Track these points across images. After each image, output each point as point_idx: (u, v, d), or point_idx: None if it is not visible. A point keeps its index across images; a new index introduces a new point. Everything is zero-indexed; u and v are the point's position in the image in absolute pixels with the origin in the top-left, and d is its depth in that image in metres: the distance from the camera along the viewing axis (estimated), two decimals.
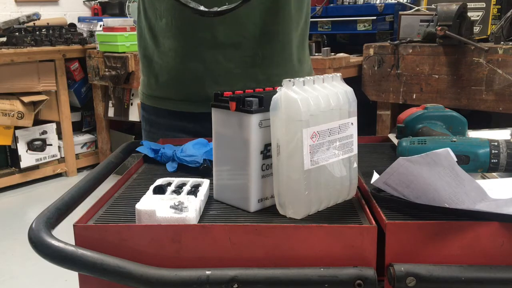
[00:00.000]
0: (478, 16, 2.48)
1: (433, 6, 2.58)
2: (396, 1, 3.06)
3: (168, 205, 0.71)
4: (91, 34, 4.02)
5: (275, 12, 1.17)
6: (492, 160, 0.82)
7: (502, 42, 2.28)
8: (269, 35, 1.17)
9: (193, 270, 0.64)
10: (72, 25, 3.97)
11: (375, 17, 2.95)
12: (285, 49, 1.21)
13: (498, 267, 0.65)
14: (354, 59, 2.72)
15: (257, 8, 1.14)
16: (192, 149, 0.99)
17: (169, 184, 0.82)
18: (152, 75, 1.26)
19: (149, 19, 1.23)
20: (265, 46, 1.18)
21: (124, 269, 0.63)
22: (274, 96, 0.71)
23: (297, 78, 0.71)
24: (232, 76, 1.17)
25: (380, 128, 2.68)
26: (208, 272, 0.63)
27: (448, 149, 0.65)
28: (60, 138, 3.87)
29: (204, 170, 0.93)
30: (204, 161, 0.95)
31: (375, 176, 0.80)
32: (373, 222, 0.69)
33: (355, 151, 0.77)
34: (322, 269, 0.64)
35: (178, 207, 0.71)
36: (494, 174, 0.86)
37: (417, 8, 2.95)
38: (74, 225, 0.69)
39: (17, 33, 3.56)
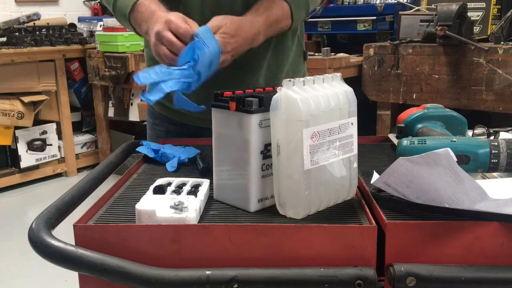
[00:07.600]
0: (478, 16, 2.47)
1: (433, 6, 2.57)
2: (396, 1, 3.06)
3: (168, 205, 0.71)
4: (91, 34, 4.02)
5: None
6: (492, 160, 0.82)
7: (502, 42, 2.28)
8: None
9: (193, 270, 0.64)
10: (72, 25, 3.96)
11: (375, 17, 2.95)
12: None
13: (498, 267, 0.65)
14: (354, 59, 2.72)
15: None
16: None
17: (169, 184, 0.82)
18: None
19: None
20: None
21: (124, 269, 0.63)
22: (274, 96, 0.71)
23: (297, 78, 0.71)
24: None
25: (380, 128, 2.67)
26: (208, 272, 0.63)
27: (448, 149, 0.65)
28: (60, 138, 3.86)
29: (204, 170, 0.93)
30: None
31: (375, 176, 0.80)
32: (373, 222, 0.69)
33: (355, 151, 0.77)
34: (322, 269, 0.64)
35: (178, 207, 0.71)
36: (494, 174, 0.86)
37: (417, 8, 2.95)
38: (74, 225, 0.69)
39: (17, 33, 3.55)
